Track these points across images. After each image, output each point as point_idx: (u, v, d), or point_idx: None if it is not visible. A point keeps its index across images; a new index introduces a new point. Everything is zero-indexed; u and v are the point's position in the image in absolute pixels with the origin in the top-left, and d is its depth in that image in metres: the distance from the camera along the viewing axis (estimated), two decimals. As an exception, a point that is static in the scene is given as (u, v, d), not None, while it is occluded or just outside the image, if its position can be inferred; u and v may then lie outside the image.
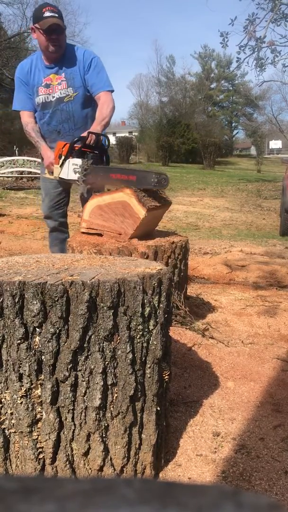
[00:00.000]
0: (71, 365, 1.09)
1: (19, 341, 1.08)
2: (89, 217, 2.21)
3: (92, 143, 2.42)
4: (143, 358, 1.17)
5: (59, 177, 2.49)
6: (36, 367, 1.08)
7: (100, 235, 2.20)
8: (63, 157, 2.44)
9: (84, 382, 1.10)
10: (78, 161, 2.39)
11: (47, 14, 2.43)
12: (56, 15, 2.46)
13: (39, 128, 2.68)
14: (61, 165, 2.45)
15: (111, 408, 1.14)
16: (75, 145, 2.42)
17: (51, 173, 2.56)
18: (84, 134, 2.43)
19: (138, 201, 2.06)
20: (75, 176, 2.41)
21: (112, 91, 2.61)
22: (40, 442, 1.11)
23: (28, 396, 1.10)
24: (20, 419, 1.10)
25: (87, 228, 2.23)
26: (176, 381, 1.74)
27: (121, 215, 2.11)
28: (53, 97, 2.59)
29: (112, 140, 26.38)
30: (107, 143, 2.60)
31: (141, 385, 1.18)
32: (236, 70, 18.60)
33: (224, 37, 10.45)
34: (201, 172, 21.66)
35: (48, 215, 2.88)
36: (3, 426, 1.12)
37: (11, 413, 1.11)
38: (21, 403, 1.10)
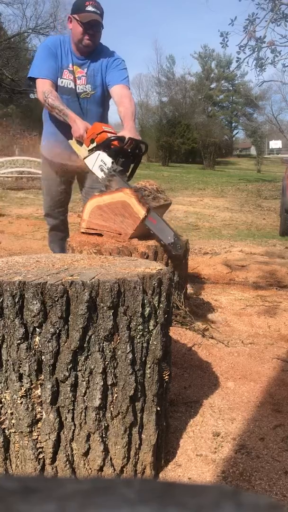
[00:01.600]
0: (71, 365, 1.09)
1: (19, 341, 1.08)
2: (88, 217, 2.21)
3: (129, 149, 2.27)
4: (143, 358, 1.17)
5: (84, 161, 2.34)
6: (36, 367, 1.08)
7: (100, 235, 2.20)
8: (95, 144, 2.28)
9: (84, 382, 1.10)
10: (108, 160, 2.24)
11: (89, 8, 2.40)
12: (98, 11, 2.43)
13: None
14: (90, 150, 2.30)
15: (111, 408, 1.14)
16: (112, 142, 2.25)
17: (80, 143, 2.39)
18: (125, 135, 2.26)
19: (138, 201, 2.05)
20: (99, 174, 2.28)
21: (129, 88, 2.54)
22: (40, 442, 1.11)
23: (28, 396, 1.10)
24: (20, 419, 1.10)
25: (87, 228, 2.23)
26: (176, 381, 1.74)
27: (121, 215, 2.11)
28: (74, 86, 2.54)
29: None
30: (144, 149, 2.37)
31: (141, 385, 1.18)
32: (236, 70, 18.62)
33: (224, 37, 10.45)
34: (201, 172, 21.66)
35: (48, 213, 2.88)
36: (3, 426, 1.12)
37: (11, 413, 1.11)
38: (21, 403, 1.10)
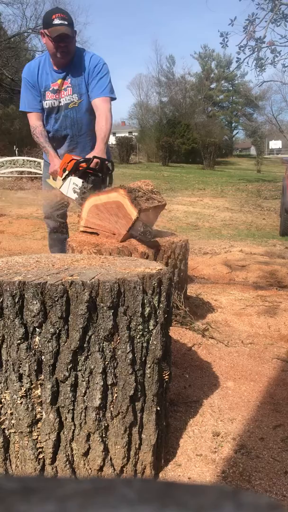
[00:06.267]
0: (71, 365, 1.09)
1: (19, 341, 1.08)
2: (87, 215, 2.21)
3: (96, 167, 2.41)
4: (143, 358, 1.17)
5: (60, 190, 2.53)
6: (36, 367, 1.08)
7: (97, 234, 2.20)
8: (67, 172, 2.45)
9: (84, 382, 1.10)
10: (79, 181, 2.40)
11: (56, 21, 2.40)
12: (66, 22, 2.42)
13: (46, 132, 2.67)
14: (64, 179, 2.48)
15: (111, 408, 1.14)
16: (80, 164, 2.42)
17: (55, 179, 2.60)
18: (90, 156, 2.42)
19: (131, 202, 2.05)
20: (73, 196, 2.44)
21: (112, 98, 2.57)
22: (40, 442, 1.11)
23: (28, 396, 1.10)
24: (20, 419, 1.10)
25: (85, 227, 2.23)
26: (176, 381, 1.74)
27: (115, 215, 2.11)
28: (60, 102, 2.60)
29: (112, 140, 26.34)
30: (111, 168, 2.54)
31: (141, 385, 1.18)
32: (236, 70, 18.63)
33: (224, 37, 10.47)
34: (201, 172, 21.66)
35: (48, 215, 2.89)
36: (3, 426, 1.12)
37: (11, 413, 1.11)
38: (21, 403, 1.10)
